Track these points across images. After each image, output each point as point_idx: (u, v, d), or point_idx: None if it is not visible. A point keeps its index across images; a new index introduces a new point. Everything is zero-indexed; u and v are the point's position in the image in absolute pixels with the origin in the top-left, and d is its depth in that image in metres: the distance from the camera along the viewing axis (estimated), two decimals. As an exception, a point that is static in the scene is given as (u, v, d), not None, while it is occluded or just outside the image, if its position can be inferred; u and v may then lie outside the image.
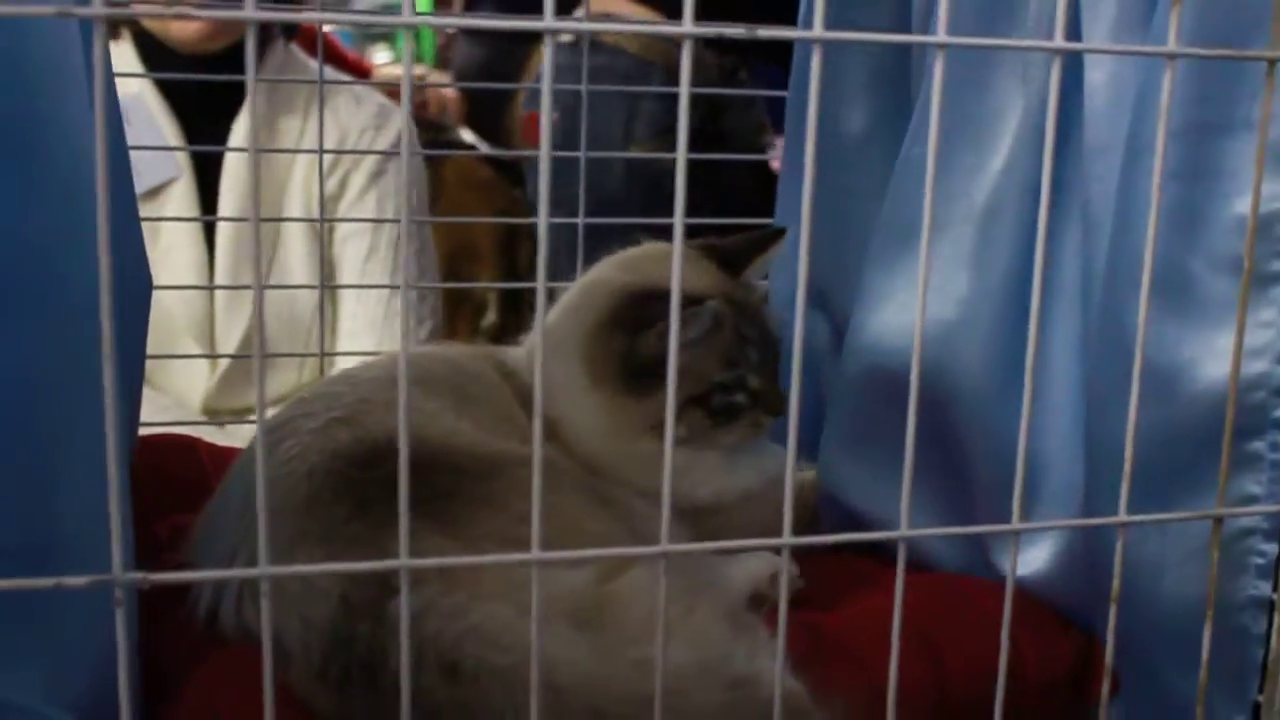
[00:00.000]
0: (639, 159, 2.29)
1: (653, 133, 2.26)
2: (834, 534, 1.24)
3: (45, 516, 0.82)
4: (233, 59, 1.96)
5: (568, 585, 0.93)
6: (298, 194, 1.94)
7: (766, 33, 0.74)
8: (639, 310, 1.12)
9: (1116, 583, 0.85)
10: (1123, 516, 0.84)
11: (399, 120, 2.09)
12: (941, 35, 0.75)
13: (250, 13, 0.68)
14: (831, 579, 1.15)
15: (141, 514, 1.18)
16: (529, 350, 1.21)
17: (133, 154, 1.89)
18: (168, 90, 1.97)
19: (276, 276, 1.95)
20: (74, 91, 0.82)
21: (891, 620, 0.99)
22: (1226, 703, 0.92)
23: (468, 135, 2.94)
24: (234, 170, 1.96)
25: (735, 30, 0.74)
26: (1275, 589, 0.90)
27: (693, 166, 1.89)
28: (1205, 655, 0.88)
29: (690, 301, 1.09)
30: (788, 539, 0.78)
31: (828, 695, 0.92)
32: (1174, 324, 0.92)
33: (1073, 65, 1.02)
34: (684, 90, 0.67)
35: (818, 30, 0.72)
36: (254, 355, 0.71)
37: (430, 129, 2.86)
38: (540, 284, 0.72)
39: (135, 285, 1.16)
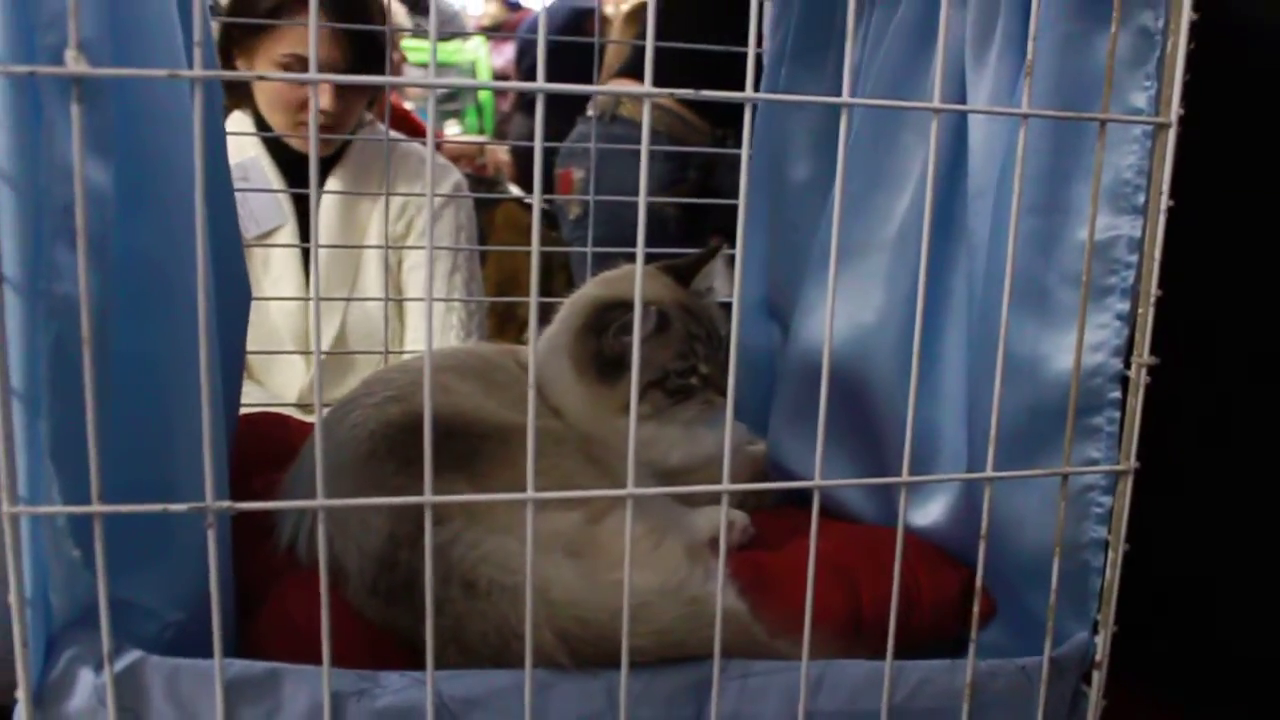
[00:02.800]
0: (650, 206, 2.33)
1: (659, 187, 2.30)
2: (779, 495, 1.28)
3: (166, 461, 0.86)
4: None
5: (563, 524, 0.97)
6: (374, 237, 1.99)
7: (709, 94, 0.78)
8: (603, 317, 1.17)
9: (985, 523, 0.88)
10: (990, 473, 0.87)
11: (454, 175, 2.15)
12: (846, 97, 0.79)
13: (314, 75, 0.72)
14: (776, 528, 1.18)
15: (243, 471, 1.22)
16: (539, 349, 1.25)
17: (251, 203, 1.96)
18: (276, 155, 2.02)
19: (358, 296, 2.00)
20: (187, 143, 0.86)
21: (820, 560, 1.02)
22: (1074, 621, 0.95)
23: (514, 189, 2.99)
24: (326, 218, 2.01)
25: (684, 92, 0.77)
26: (1110, 532, 0.93)
27: (693, 211, 1.91)
28: (1054, 583, 0.91)
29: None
30: (726, 486, 0.82)
31: (765, 613, 0.96)
32: (1034, 325, 0.95)
33: (961, 128, 1.06)
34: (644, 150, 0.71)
35: (749, 93, 0.76)
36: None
37: (485, 184, 2.91)
38: (533, 301, 0.77)
39: (236, 293, 1.21)
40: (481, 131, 4.37)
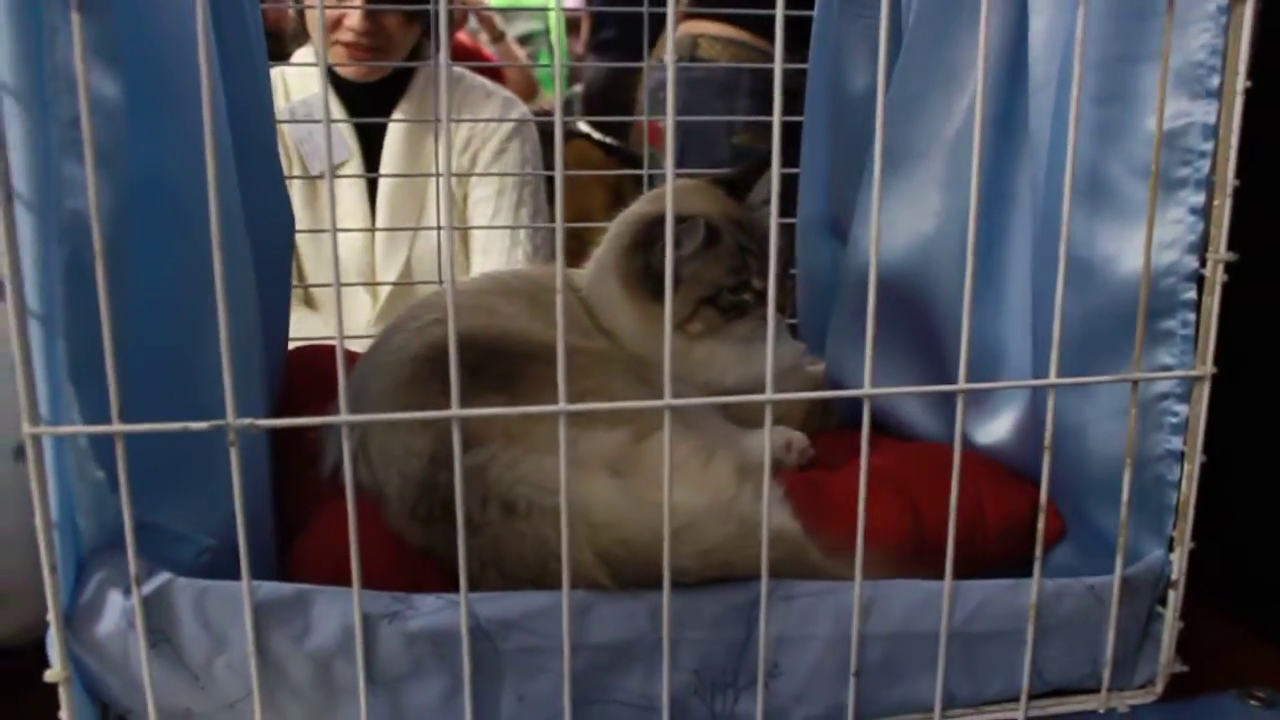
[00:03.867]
0: (741, 147, 2.29)
1: (745, 124, 2.24)
2: (842, 417, 1.23)
3: (197, 382, 0.84)
4: (390, 81, 2.01)
5: (607, 442, 0.93)
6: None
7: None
8: (651, 231, 1.12)
9: (1049, 434, 0.84)
10: (1053, 379, 0.82)
11: (519, 108, 2.12)
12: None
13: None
14: (837, 449, 1.13)
15: (294, 402, 1.20)
16: (589, 271, 1.22)
17: (317, 137, 1.95)
18: (339, 89, 2.01)
19: (424, 232, 1.97)
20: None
21: (880, 479, 0.98)
22: (1148, 539, 0.89)
23: (583, 127, 2.94)
24: (391, 152, 2.00)
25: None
26: (1185, 443, 0.87)
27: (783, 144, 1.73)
28: (1125, 497, 0.86)
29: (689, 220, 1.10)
30: (769, 395, 0.78)
31: (822, 534, 0.92)
32: (1101, 224, 0.88)
33: (1022, 20, 0.98)
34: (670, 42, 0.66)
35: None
36: (332, 284, 0.72)
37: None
38: (559, 226, 0.73)
39: (274, 219, 1.19)
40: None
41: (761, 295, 1.14)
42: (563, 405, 0.74)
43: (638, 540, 0.83)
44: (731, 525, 0.86)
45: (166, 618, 0.75)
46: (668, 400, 0.76)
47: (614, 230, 1.23)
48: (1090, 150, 0.87)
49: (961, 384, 0.81)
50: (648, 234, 1.14)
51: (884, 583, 0.85)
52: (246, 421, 0.72)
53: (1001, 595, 0.86)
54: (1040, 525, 0.84)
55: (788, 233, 1.45)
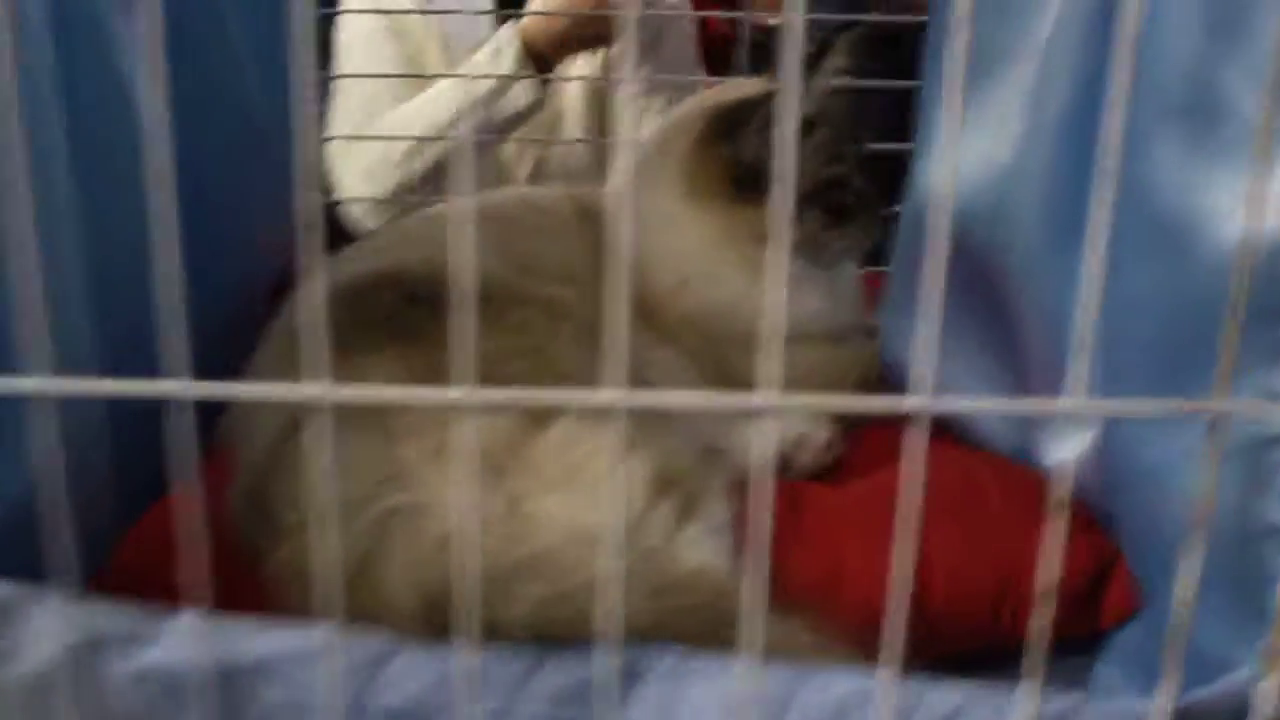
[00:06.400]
0: None
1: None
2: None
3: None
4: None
5: (490, 428, 0.69)
6: (577, 67, 1.75)
7: None
8: (733, 118, 0.89)
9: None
10: (1082, 401, 0.52)
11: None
12: None
13: None
14: (874, 446, 0.85)
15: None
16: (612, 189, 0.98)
17: (453, 27, 1.74)
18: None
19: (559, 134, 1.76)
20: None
21: (885, 504, 0.71)
22: (1234, 645, 0.59)
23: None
24: None
25: None
26: (1306, 515, 0.55)
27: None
28: (1184, 593, 0.55)
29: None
30: (769, 401, 0.51)
31: (784, 579, 0.66)
32: (1201, 161, 0.57)
33: None
34: None
35: None
36: None
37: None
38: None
39: (229, 127, 1.00)
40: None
41: (861, 197, 0.88)
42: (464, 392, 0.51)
43: (492, 564, 0.60)
44: (630, 560, 0.61)
45: None
46: (617, 394, 0.48)
47: (662, 134, 0.98)
48: (1193, 48, 0.56)
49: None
50: (730, 122, 0.89)
51: (805, 675, 0.58)
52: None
53: (981, 706, 0.57)
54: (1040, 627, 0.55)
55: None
